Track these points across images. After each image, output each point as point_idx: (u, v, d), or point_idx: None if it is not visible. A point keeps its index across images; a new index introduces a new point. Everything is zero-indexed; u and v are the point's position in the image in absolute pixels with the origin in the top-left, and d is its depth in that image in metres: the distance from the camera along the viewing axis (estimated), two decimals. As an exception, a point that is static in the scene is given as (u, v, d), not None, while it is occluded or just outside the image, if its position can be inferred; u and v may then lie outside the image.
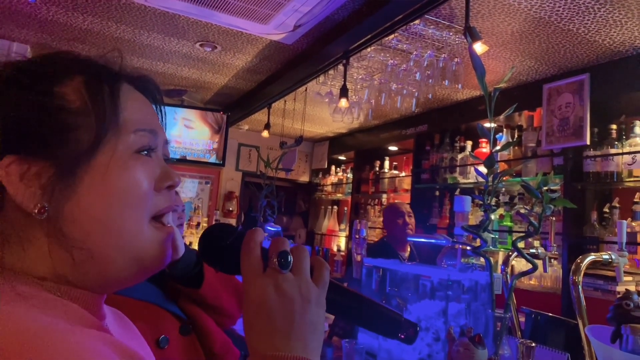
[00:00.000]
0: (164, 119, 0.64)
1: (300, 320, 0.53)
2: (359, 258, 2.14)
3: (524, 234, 1.37)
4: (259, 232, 0.58)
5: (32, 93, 0.51)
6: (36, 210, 0.49)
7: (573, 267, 1.58)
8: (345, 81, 2.98)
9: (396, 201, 3.83)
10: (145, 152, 0.56)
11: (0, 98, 0.51)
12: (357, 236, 2.16)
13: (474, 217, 3.43)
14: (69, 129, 0.51)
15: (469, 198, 1.67)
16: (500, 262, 3.24)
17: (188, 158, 4.91)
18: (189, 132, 4.88)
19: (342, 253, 5.21)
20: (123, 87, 0.57)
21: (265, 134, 4.46)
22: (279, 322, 0.53)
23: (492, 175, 1.35)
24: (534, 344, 1.34)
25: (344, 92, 2.96)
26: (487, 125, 1.41)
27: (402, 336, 0.62)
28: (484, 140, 3.61)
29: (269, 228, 3.28)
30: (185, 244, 1.06)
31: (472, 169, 3.69)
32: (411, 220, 3.27)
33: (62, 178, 0.50)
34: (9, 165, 0.49)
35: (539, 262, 1.48)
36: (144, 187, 0.55)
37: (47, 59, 0.56)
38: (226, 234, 0.60)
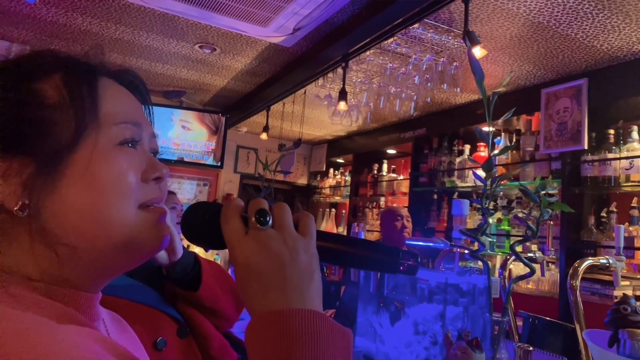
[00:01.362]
0: (150, 113, 0.64)
1: (292, 272, 0.52)
2: (356, 261, 2.14)
3: (521, 238, 1.37)
4: (236, 201, 0.57)
5: (9, 91, 0.51)
6: (17, 208, 0.49)
7: (570, 271, 1.58)
8: (344, 84, 2.98)
9: (394, 205, 3.83)
10: (130, 145, 0.56)
11: None
12: (355, 239, 2.16)
13: (472, 221, 3.44)
14: (48, 124, 0.51)
15: (467, 202, 1.68)
16: (498, 265, 3.24)
17: (186, 159, 4.91)
18: (186, 133, 4.88)
19: (340, 256, 5.20)
20: (103, 81, 0.57)
21: (263, 136, 4.46)
22: (270, 278, 0.52)
23: (490, 179, 1.35)
24: (531, 348, 1.34)
25: (342, 95, 2.96)
26: (485, 129, 1.41)
27: (403, 268, 0.61)
28: (482, 144, 3.62)
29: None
30: (183, 246, 1.06)
31: (470, 172, 3.69)
32: (409, 225, 3.26)
33: (42, 174, 0.50)
34: None
35: (537, 266, 1.48)
36: (129, 178, 0.54)
37: (26, 58, 0.56)
38: (205, 209, 0.59)
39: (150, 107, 0.64)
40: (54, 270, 0.51)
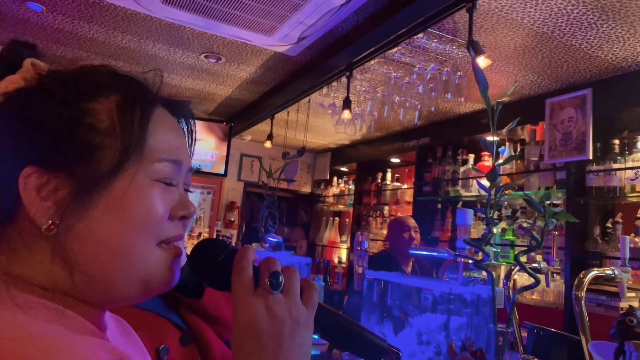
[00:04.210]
0: (193, 143, 0.64)
1: (289, 342, 0.54)
2: (360, 270, 2.14)
3: (526, 248, 1.36)
4: (251, 251, 0.58)
5: (64, 107, 0.51)
6: (46, 226, 0.49)
7: (576, 282, 1.57)
8: (348, 93, 2.99)
9: (403, 215, 3.81)
10: (165, 182, 0.56)
11: (33, 107, 0.51)
12: (359, 248, 2.16)
13: (476, 231, 3.42)
14: (94, 148, 0.51)
15: (471, 211, 1.67)
16: (502, 276, 3.22)
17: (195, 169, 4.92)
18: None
19: (343, 265, 5.19)
20: (157, 111, 0.56)
21: (267, 144, 4.47)
22: (268, 344, 0.53)
23: (494, 189, 1.34)
24: (536, 360, 1.32)
25: (347, 103, 2.97)
26: (489, 138, 1.41)
27: None
28: (486, 153, 3.62)
29: (270, 239, 3.28)
30: (187, 255, 1.06)
31: (475, 182, 3.69)
32: (417, 236, 3.24)
33: (78, 197, 0.50)
34: (29, 176, 0.49)
35: (542, 277, 1.47)
36: (158, 215, 0.54)
37: (85, 73, 0.55)
38: (218, 250, 0.59)
39: (193, 133, 0.64)
40: (66, 290, 0.51)
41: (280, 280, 0.55)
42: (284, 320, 0.54)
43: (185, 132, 0.62)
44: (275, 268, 0.56)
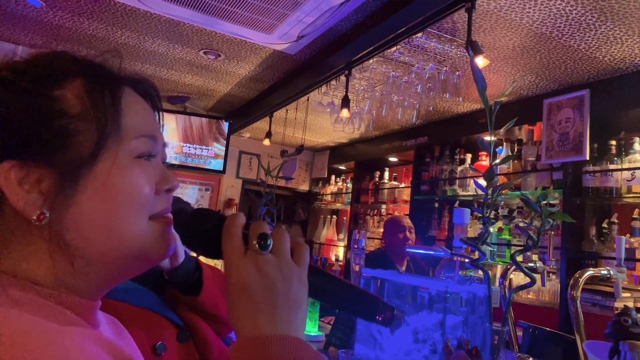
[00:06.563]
0: (161, 122, 0.64)
1: (283, 299, 0.54)
2: (357, 268, 2.14)
3: (522, 248, 1.37)
4: (239, 216, 0.58)
5: (30, 97, 0.51)
6: (35, 217, 0.49)
7: (571, 281, 1.58)
8: (347, 92, 3.00)
9: (398, 214, 3.81)
10: (145, 157, 0.57)
11: None
12: (356, 246, 2.16)
13: (473, 230, 3.44)
14: (69, 134, 0.51)
15: (468, 210, 1.68)
16: (498, 275, 3.24)
17: (189, 164, 4.92)
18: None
19: (341, 263, 5.20)
20: (124, 91, 0.57)
21: (266, 142, 4.48)
22: (262, 303, 0.53)
23: (491, 188, 1.35)
24: (531, 359, 1.33)
25: (345, 102, 2.97)
26: (487, 138, 1.42)
27: (380, 318, 0.64)
28: (483, 153, 3.63)
29: (268, 236, 3.27)
30: (185, 251, 1.06)
31: (472, 181, 3.70)
32: (412, 236, 3.25)
33: (63, 184, 0.50)
34: (9, 171, 0.49)
35: (537, 276, 1.48)
36: (145, 191, 0.55)
37: (44, 60, 0.55)
38: (208, 218, 0.60)
39: (161, 113, 0.65)
40: (64, 278, 0.52)
41: (269, 241, 0.56)
42: (275, 278, 0.54)
43: (153, 109, 0.63)
44: (262, 230, 0.56)
